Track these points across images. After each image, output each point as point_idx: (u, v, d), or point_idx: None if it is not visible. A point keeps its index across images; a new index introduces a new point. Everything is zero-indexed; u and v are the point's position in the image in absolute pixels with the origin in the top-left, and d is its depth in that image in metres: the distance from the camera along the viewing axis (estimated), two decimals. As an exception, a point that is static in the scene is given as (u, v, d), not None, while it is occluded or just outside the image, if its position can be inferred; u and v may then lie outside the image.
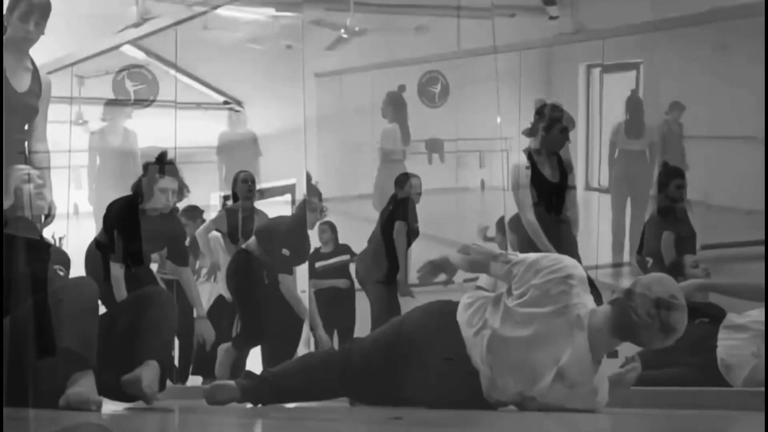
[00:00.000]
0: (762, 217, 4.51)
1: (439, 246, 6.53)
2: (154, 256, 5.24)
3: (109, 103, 6.11)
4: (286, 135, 8.47)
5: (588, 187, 7.42)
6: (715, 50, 6.01)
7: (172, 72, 7.30)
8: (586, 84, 7.34)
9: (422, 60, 7.60)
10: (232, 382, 3.39)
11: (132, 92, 6.69)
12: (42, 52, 4.13)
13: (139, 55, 7.34)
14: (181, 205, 5.63)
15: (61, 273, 3.23)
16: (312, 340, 5.82)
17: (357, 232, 6.69)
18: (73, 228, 6.72)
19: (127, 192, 5.02)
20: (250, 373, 3.47)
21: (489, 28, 7.02)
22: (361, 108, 7.80)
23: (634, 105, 6.30)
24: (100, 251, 4.85)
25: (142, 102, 6.68)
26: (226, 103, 8.09)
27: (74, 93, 7.17)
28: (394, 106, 7.09)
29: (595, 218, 6.85)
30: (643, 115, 6.26)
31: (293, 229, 5.75)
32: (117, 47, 7.26)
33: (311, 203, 5.82)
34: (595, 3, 6.77)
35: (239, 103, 8.11)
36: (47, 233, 3.82)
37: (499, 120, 6.66)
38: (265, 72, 8.75)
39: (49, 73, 4.77)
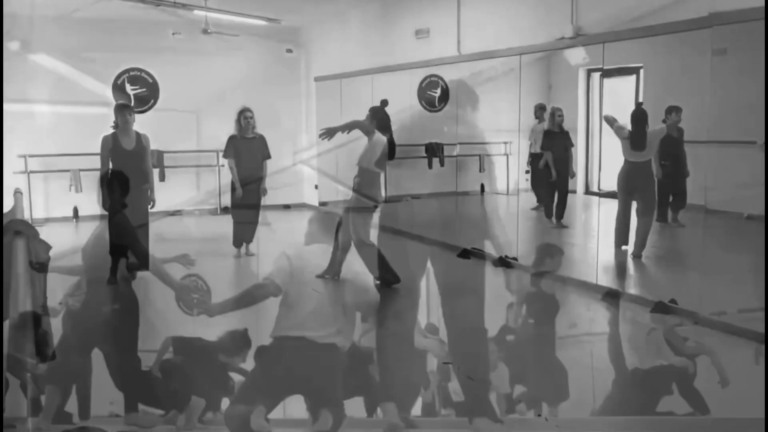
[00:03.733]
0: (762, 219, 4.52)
1: (439, 248, 6.53)
2: None
3: (118, 107, 6.09)
4: (284, 138, 8.49)
5: (588, 191, 7.43)
6: (715, 54, 6.00)
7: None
8: (586, 88, 7.35)
9: (422, 64, 7.61)
10: None
11: (132, 96, 6.73)
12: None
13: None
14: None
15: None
16: None
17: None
18: (73, 231, 6.73)
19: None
20: None
21: (489, 32, 7.03)
22: (361, 111, 7.81)
23: (638, 118, 6.29)
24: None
25: (143, 106, 6.71)
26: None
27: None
28: (378, 119, 7.00)
29: (595, 221, 6.86)
30: (647, 128, 6.27)
31: None
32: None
33: None
34: (595, 7, 6.77)
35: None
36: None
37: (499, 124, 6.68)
38: (265, 76, 8.76)
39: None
